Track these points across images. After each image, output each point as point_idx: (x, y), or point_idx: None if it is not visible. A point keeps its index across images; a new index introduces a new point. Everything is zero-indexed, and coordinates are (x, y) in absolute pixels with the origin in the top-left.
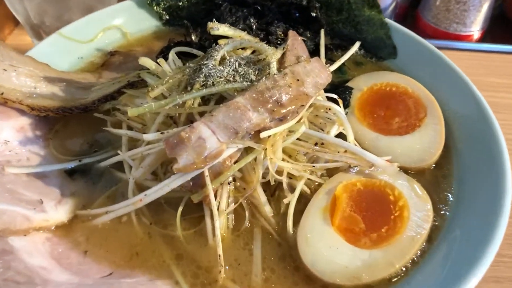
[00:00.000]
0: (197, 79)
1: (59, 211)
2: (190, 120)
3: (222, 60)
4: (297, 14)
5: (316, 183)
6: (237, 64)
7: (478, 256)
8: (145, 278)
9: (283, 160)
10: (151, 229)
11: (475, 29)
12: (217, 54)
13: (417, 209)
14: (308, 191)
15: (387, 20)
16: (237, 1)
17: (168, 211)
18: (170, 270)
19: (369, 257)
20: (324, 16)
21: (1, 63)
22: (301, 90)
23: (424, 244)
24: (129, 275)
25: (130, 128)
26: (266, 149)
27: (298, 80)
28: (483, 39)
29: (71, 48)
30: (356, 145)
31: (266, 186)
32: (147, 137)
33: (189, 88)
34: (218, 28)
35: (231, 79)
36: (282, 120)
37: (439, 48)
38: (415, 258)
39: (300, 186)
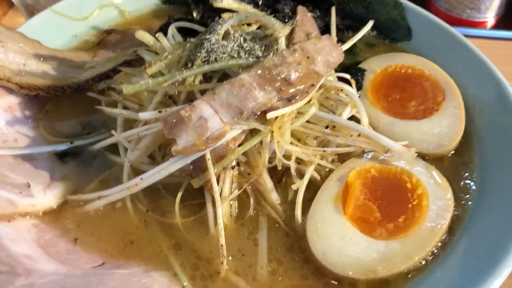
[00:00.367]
0: (199, 54)
1: (47, 196)
2: (190, 99)
3: (226, 35)
4: None
5: (327, 169)
6: (242, 39)
7: (503, 254)
8: (140, 269)
9: (291, 143)
10: (148, 216)
11: (490, 15)
12: (220, 28)
13: (437, 198)
14: (318, 177)
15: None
16: None
17: (166, 197)
18: (167, 261)
19: (385, 248)
20: None
21: None
22: (311, 68)
23: (445, 235)
24: (122, 265)
25: (126, 108)
26: (273, 132)
27: (308, 57)
28: (497, 25)
29: (64, 25)
30: (370, 128)
31: (272, 171)
32: (144, 115)
33: (189, 65)
34: (222, 1)
35: (236, 55)
36: (290, 100)
37: None
38: (435, 251)
39: (310, 172)
